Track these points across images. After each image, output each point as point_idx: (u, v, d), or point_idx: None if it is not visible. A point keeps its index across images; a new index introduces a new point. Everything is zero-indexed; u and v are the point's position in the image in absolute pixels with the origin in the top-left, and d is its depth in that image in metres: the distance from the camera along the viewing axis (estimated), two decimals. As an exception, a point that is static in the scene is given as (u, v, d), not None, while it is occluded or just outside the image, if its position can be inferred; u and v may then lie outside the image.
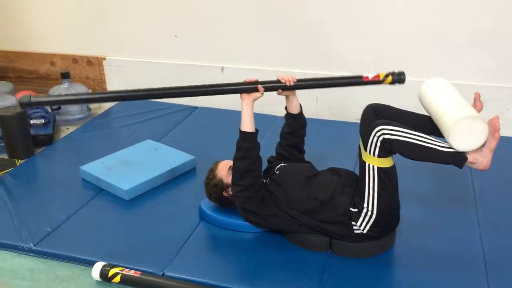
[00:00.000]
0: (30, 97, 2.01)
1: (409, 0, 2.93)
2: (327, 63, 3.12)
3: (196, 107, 3.36)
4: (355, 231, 1.88)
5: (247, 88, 2.01)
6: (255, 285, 1.82)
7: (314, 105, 3.22)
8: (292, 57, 3.19)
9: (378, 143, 1.77)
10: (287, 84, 2.04)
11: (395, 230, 1.99)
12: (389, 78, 2.02)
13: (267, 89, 2.05)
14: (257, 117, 3.14)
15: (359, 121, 3.12)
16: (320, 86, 2.22)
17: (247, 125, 1.97)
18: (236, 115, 3.12)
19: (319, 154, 2.53)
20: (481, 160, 1.77)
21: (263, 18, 3.16)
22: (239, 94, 2.04)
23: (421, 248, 1.98)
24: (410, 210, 2.12)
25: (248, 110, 1.98)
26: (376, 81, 2.03)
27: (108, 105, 3.56)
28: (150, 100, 3.29)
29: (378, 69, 3.03)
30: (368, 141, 1.80)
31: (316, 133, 2.86)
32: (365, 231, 1.87)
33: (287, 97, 2.14)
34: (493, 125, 1.73)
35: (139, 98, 2.28)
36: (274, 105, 3.24)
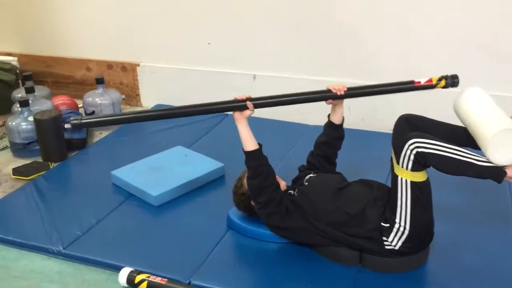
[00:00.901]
0: (81, 118, 2.02)
1: (446, 10, 2.85)
2: (361, 72, 3.06)
3: (227, 114, 3.34)
4: (386, 247, 1.82)
5: (237, 106, 1.96)
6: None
7: (347, 115, 3.09)
8: (325, 65, 3.15)
9: (412, 157, 1.71)
10: (337, 93, 2.01)
11: (429, 246, 1.92)
12: (442, 82, 1.99)
13: (317, 100, 2.03)
14: (288, 125, 3.20)
15: (391, 132, 3.09)
16: (371, 93, 2.15)
17: (249, 145, 1.95)
18: (267, 123, 3.11)
19: (351, 165, 2.47)
20: (521, 175, 1.69)
21: (297, 26, 3.14)
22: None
23: (456, 265, 1.90)
24: (444, 225, 2.03)
25: (244, 129, 1.96)
26: (429, 86, 1.99)
27: (140, 109, 3.60)
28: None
29: (412, 78, 2.99)
30: (401, 154, 1.74)
31: (348, 144, 2.79)
32: (397, 247, 1.81)
33: (334, 107, 2.13)
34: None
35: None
36: (306, 114, 3.22)
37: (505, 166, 1.70)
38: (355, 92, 2.09)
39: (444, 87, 2.00)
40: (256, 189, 1.95)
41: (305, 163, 2.28)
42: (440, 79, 1.99)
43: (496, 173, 1.70)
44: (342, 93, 2.02)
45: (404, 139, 1.74)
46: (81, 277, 1.95)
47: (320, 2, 3.04)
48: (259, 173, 1.93)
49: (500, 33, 2.79)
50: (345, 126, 3.15)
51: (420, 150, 1.69)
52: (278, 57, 3.24)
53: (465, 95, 1.91)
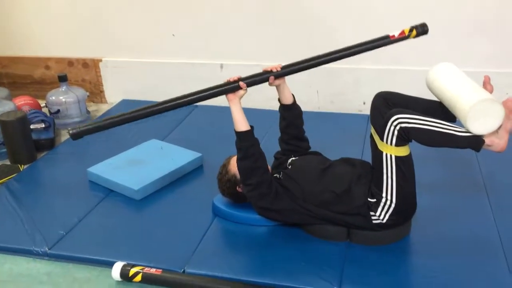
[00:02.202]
0: (78, 127, 2.02)
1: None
2: (326, 51, 3.09)
3: (196, 106, 3.33)
4: (374, 221, 1.89)
5: (230, 88, 1.98)
6: (278, 278, 1.81)
7: (315, 98, 3.23)
8: (293, 52, 3.13)
9: (395, 132, 1.78)
10: (274, 70, 2.03)
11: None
12: (414, 32, 2.03)
13: (255, 83, 2.03)
14: (258, 113, 3.22)
15: (361, 113, 3.18)
16: (347, 55, 2.14)
17: (241, 125, 1.96)
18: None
19: (324, 147, 2.51)
20: (498, 142, 1.78)
21: (262, 13, 3.16)
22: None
23: (437, 235, 2.00)
24: (422, 198, 2.10)
25: (237, 110, 1.97)
26: (403, 38, 2.03)
27: (106, 107, 3.54)
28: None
29: (382, 60, 3.07)
30: (384, 131, 1.80)
31: (319, 126, 2.87)
32: (384, 221, 1.88)
33: (278, 87, 2.13)
34: (508, 106, 1.74)
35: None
36: (275, 100, 3.26)
37: (483, 135, 1.79)
38: (312, 63, 2.09)
39: (416, 36, 2.03)
40: (247, 170, 1.96)
41: (278, 149, 2.31)
42: (411, 30, 2.02)
43: (475, 142, 1.79)
44: (279, 69, 2.04)
45: (387, 116, 1.80)
46: (71, 276, 1.91)
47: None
48: (250, 154, 1.94)
49: (458, 12, 2.91)
50: (314, 109, 3.24)
51: (403, 125, 1.76)
52: (244, 45, 3.26)
53: (437, 70, 1.99)
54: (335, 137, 2.83)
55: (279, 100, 2.21)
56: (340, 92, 3.21)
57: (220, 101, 3.18)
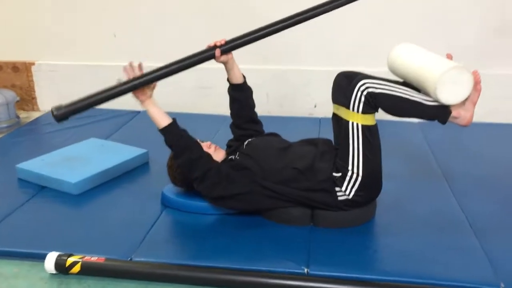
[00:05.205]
0: (62, 107, 1.69)
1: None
2: (276, 53, 3.03)
3: (139, 111, 3.14)
4: (340, 198, 1.76)
5: (138, 84, 1.80)
6: (244, 262, 1.63)
7: (265, 101, 3.13)
8: (241, 52, 3.09)
9: (363, 98, 1.68)
10: (217, 44, 1.90)
11: (376, 201, 1.90)
12: None
13: (201, 61, 1.89)
14: (206, 118, 3.07)
15: (311, 116, 3.11)
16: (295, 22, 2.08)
17: (162, 121, 1.81)
18: (183, 116, 2.93)
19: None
20: (464, 114, 1.73)
21: (206, 11, 3.05)
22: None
23: (404, 217, 1.90)
24: (384, 183, 2.02)
25: (153, 108, 1.82)
26: None
27: (38, 115, 3.25)
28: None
29: (330, 61, 3.03)
30: (351, 97, 1.70)
31: (271, 130, 2.75)
32: (350, 196, 1.76)
33: (226, 65, 1.97)
34: (475, 78, 1.70)
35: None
36: (221, 106, 3.12)
37: (450, 106, 1.73)
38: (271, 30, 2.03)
39: None
40: (188, 164, 1.81)
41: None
42: None
43: (443, 112, 1.72)
44: (223, 42, 1.91)
45: (354, 82, 1.71)
46: (-5, 272, 1.63)
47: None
48: (184, 146, 1.79)
49: (408, 11, 2.93)
50: (264, 113, 3.10)
51: (370, 90, 1.67)
52: (190, 45, 3.09)
53: (398, 50, 1.91)
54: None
55: (228, 80, 2.05)
56: (290, 96, 3.13)
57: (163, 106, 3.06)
